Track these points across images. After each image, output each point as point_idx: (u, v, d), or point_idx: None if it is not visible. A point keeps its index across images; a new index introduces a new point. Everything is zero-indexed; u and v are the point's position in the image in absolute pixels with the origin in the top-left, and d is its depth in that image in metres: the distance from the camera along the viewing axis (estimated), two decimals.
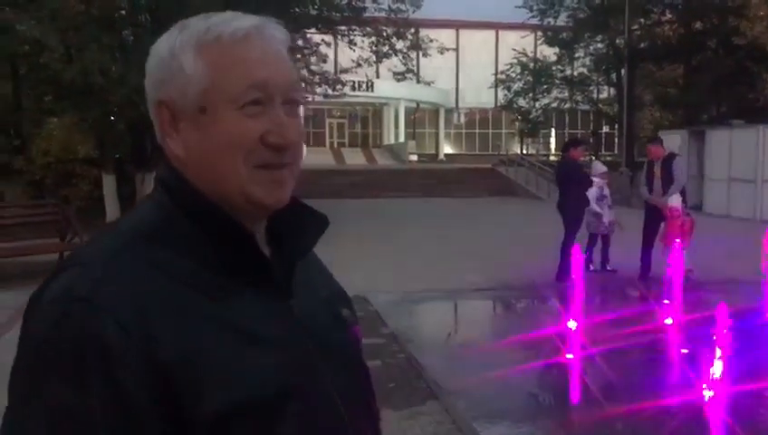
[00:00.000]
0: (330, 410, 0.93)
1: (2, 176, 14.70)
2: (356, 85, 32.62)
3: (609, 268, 9.21)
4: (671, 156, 8.87)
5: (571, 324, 6.04)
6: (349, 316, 1.05)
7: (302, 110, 0.95)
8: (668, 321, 6.32)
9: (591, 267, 9.09)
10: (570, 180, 8.92)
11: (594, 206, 9.11)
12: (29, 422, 0.78)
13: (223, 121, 0.88)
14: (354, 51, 20.05)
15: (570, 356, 5.35)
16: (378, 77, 35.28)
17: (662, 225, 8.58)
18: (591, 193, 9.11)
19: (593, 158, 29.17)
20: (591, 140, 36.78)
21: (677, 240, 7.94)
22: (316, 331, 0.95)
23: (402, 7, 19.50)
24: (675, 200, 8.24)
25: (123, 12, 13.70)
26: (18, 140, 15.18)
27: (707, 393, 4.54)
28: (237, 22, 0.90)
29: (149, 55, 0.93)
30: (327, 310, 1.01)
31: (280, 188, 0.91)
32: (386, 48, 20.27)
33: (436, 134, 48.13)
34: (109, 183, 14.10)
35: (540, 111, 34.01)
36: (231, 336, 0.85)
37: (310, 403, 0.89)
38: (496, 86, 34.83)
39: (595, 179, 9.31)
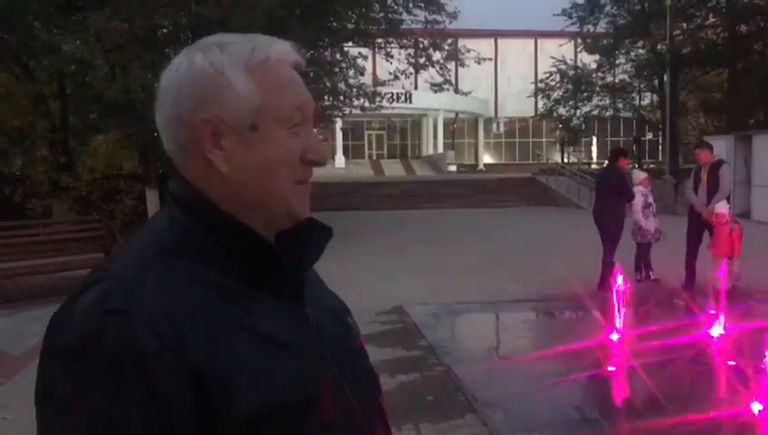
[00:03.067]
0: (349, 416, 0.96)
1: (50, 193, 15.11)
2: (394, 97, 32.70)
3: (652, 277, 9.01)
4: (719, 162, 8.63)
5: (613, 336, 5.94)
6: (354, 325, 1.09)
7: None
8: (714, 332, 6.15)
9: (652, 275, 8.99)
10: (615, 190, 8.75)
11: (640, 217, 8.96)
12: (70, 434, 0.80)
13: (274, 139, 0.93)
14: (391, 63, 20.11)
15: (611, 368, 5.25)
16: (416, 88, 35.30)
17: (705, 232, 8.37)
18: (637, 203, 8.94)
19: (635, 166, 28.78)
20: (634, 148, 36.22)
21: (725, 248, 7.75)
22: (328, 339, 0.98)
23: (439, 18, 19.52)
24: (722, 207, 8.00)
25: (165, 30, 13.99)
26: (65, 158, 15.57)
27: (756, 407, 4.40)
28: (278, 46, 0.96)
29: (180, 72, 0.94)
30: (334, 319, 1.05)
31: (307, 200, 0.97)
32: (423, 59, 20.28)
33: (476, 144, 47.98)
34: (152, 198, 14.37)
35: (581, 119, 33.59)
36: (258, 341, 0.89)
37: (333, 408, 0.92)
38: (536, 95, 34.50)
39: (639, 188, 9.13)
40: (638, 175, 9.68)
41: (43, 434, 0.83)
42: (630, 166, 30.65)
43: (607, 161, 9.84)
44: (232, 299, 0.89)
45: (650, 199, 9.15)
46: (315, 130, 1.00)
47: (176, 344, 0.82)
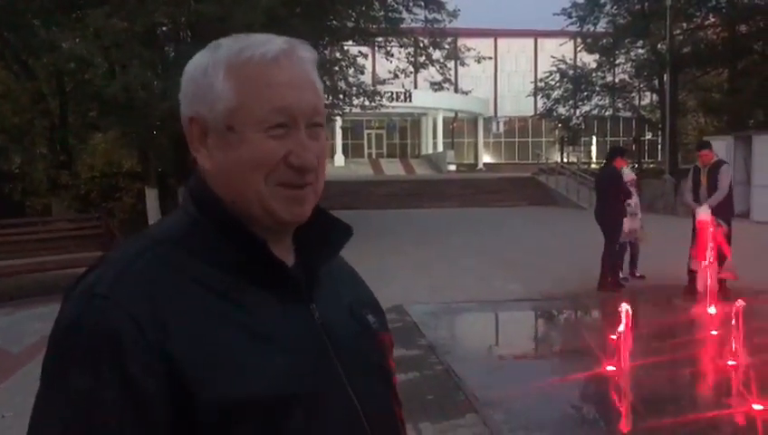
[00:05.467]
0: (346, 414, 0.95)
1: (49, 190, 15.09)
2: (394, 96, 32.70)
3: (637, 274, 9.05)
4: (719, 163, 8.55)
5: (613, 336, 5.93)
6: (374, 323, 1.07)
7: (340, 125, 1.00)
8: (713, 332, 6.16)
9: (622, 274, 8.90)
10: (611, 189, 8.77)
11: (639, 213, 8.96)
12: (52, 407, 0.86)
13: (248, 141, 0.93)
14: (391, 62, 20.11)
15: (611, 368, 5.25)
16: (415, 87, 35.31)
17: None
18: (635, 201, 8.91)
19: (635, 165, 28.77)
20: (634, 148, 36.21)
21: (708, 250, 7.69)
22: (337, 336, 0.98)
23: (439, 17, 19.51)
24: (703, 213, 7.87)
25: (165, 28, 13.98)
26: (64, 155, 15.56)
27: (756, 407, 4.40)
28: (268, 45, 0.94)
29: (184, 73, 0.99)
30: (351, 316, 1.04)
31: (299, 205, 0.96)
32: (423, 58, 20.28)
33: (475, 143, 48.00)
34: (152, 196, 14.36)
35: (580, 119, 33.56)
36: (242, 335, 0.89)
37: (322, 406, 0.92)
38: (535, 94, 34.48)
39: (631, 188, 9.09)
40: (625, 174, 9.31)
41: (34, 406, 0.88)
42: (629, 165, 30.75)
43: (605, 160, 9.82)
44: (223, 293, 0.91)
45: (629, 200, 8.87)
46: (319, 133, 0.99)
47: (153, 331, 0.85)
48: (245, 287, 0.93)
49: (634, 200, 9.00)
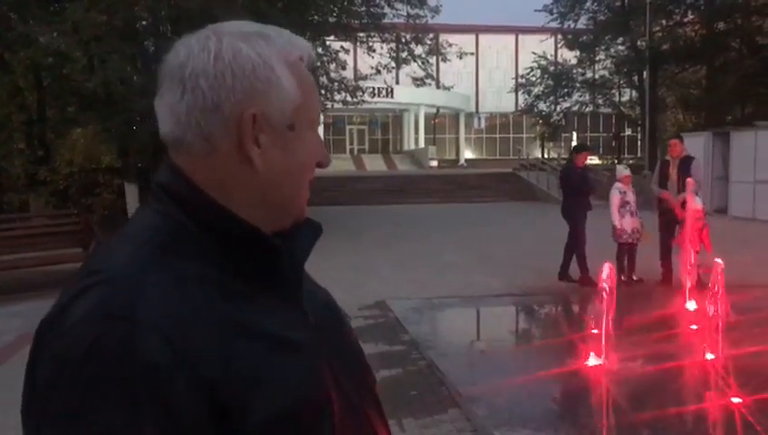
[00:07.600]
0: (353, 413, 0.93)
1: (27, 186, 14.90)
2: (376, 92, 32.68)
3: (634, 278, 8.75)
4: (689, 158, 8.60)
5: (594, 331, 5.98)
6: (346, 315, 1.07)
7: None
8: (692, 326, 6.22)
9: (634, 276, 8.72)
10: (568, 186, 9.05)
11: (614, 217, 8.68)
12: None
13: (306, 141, 0.92)
14: (373, 57, 20.08)
15: (593, 362, 5.29)
16: (397, 83, 35.27)
17: (677, 227, 8.30)
18: (613, 201, 8.77)
19: (616, 161, 28.98)
20: (614, 144, 36.48)
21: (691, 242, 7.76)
22: (328, 334, 0.96)
23: (421, 13, 19.53)
24: (695, 203, 7.92)
25: (145, 23, 13.86)
26: (42, 151, 15.37)
27: (735, 399, 4.46)
28: (307, 47, 0.94)
29: (219, 58, 0.86)
30: (330, 314, 1.02)
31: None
32: (405, 54, 20.29)
33: (457, 139, 48.15)
34: (131, 192, 14.23)
35: (561, 115, 33.78)
36: (268, 345, 0.84)
37: (338, 406, 0.90)
38: (516, 90, 34.68)
39: (617, 185, 8.94)
40: (619, 172, 9.22)
41: None
42: (609, 161, 30.93)
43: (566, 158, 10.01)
44: (237, 301, 0.84)
45: (627, 198, 8.72)
46: None
47: (188, 354, 0.76)
48: (250, 293, 0.86)
49: (632, 199, 8.77)
